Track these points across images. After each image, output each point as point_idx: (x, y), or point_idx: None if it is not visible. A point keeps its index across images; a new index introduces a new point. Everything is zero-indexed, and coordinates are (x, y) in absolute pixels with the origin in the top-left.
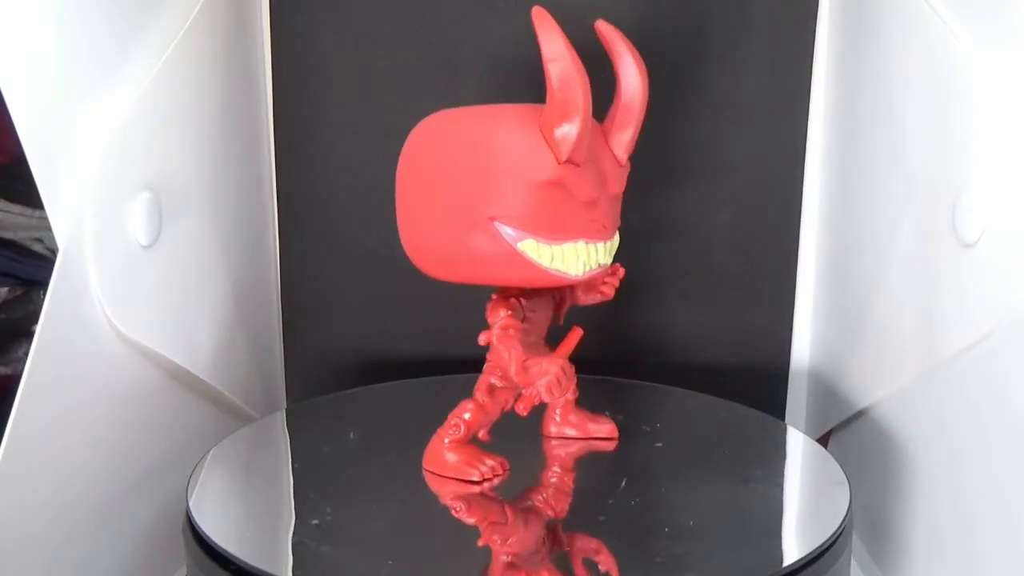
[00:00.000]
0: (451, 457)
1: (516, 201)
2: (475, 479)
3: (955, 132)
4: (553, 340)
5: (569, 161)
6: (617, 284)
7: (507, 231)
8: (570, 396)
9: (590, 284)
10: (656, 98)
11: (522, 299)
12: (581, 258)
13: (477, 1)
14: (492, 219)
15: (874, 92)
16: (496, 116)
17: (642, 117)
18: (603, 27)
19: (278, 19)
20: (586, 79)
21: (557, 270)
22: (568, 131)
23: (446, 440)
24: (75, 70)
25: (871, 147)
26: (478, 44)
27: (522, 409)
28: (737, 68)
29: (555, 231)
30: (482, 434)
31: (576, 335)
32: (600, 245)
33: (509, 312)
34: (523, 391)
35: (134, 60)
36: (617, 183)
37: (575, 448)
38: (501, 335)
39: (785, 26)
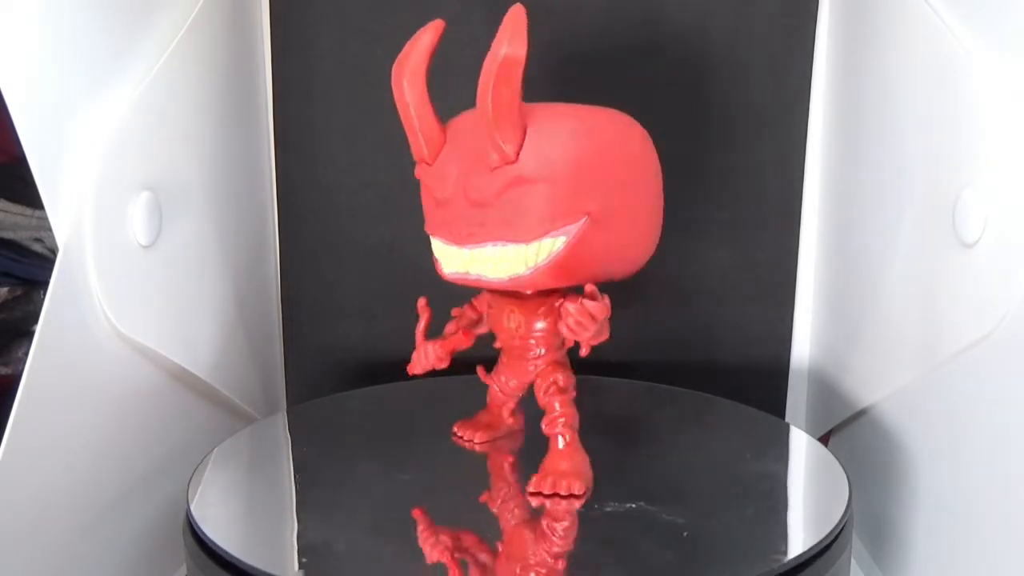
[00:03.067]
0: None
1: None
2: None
3: (955, 132)
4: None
5: (420, 160)
6: (575, 328)
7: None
8: (548, 429)
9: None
10: (657, 98)
11: (487, 296)
12: (443, 256)
13: (477, 1)
14: None
15: (874, 92)
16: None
17: (499, 110)
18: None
19: (278, 19)
20: (410, 85)
21: (437, 260)
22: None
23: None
24: (75, 70)
25: (871, 147)
26: (478, 44)
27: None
28: (737, 68)
29: (427, 224)
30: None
31: (462, 338)
32: (454, 249)
33: (472, 303)
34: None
35: (134, 60)
36: (475, 187)
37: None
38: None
39: (785, 27)
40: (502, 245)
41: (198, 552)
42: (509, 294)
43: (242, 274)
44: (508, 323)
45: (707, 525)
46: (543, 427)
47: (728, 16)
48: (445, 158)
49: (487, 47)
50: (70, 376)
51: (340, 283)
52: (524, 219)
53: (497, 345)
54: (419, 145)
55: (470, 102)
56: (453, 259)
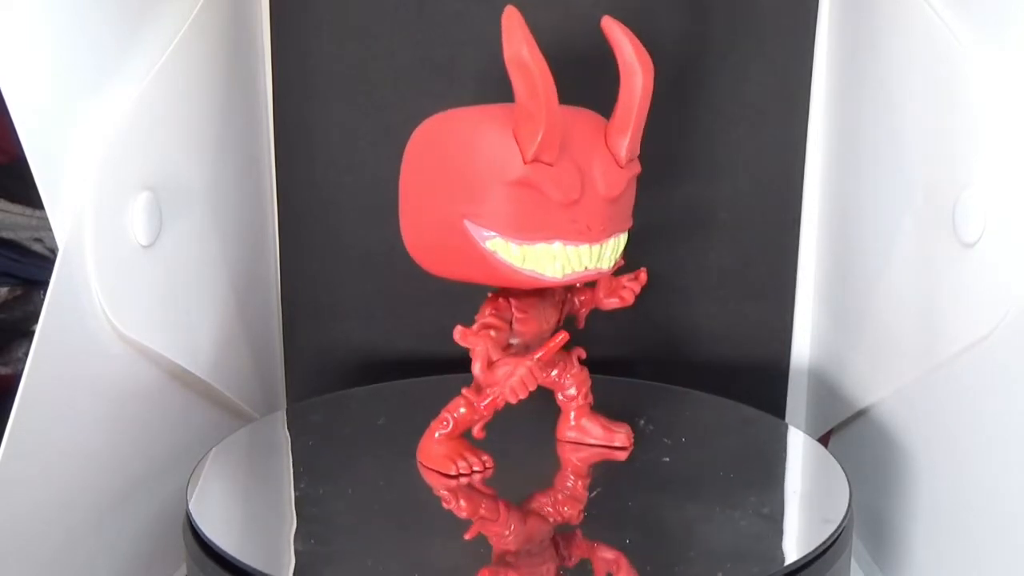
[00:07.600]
0: (436, 450)
1: (485, 200)
2: (451, 473)
3: (955, 132)
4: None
5: (537, 160)
6: (638, 290)
7: (475, 230)
8: (582, 400)
9: (610, 289)
10: (657, 98)
11: (512, 300)
12: (559, 260)
13: (477, 1)
14: (463, 217)
15: (874, 92)
16: (477, 116)
17: (643, 118)
18: (608, 24)
19: (278, 19)
20: (549, 79)
21: (531, 271)
22: (531, 131)
23: (436, 434)
24: (75, 70)
25: (871, 147)
26: (478, 44)
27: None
28: (737, 68)
29: (525, 231)
30: (476, 431)
31: (559, 339)
32: (584, 248)
33: (494, 312)
34: (488, 392)
35: (134, 60)
36: (613, 185)
37: (584, 452)
38: (471, 332)
39: (785, 26)
40: (619, 235)
41: (198, 552)
42: (534, 294)
43: (242, 274)
44: (541, 322)
45: (707, 525)
46: (579, 399)
47: (728, 15)
48: (563, 158)
49: (487, 45)
50: (70, 376)
51: (340, 283)
52: (631, 208)
53: (512, 348)
54: (552, 145)
55: (470, 101)
56: (576, 259)
